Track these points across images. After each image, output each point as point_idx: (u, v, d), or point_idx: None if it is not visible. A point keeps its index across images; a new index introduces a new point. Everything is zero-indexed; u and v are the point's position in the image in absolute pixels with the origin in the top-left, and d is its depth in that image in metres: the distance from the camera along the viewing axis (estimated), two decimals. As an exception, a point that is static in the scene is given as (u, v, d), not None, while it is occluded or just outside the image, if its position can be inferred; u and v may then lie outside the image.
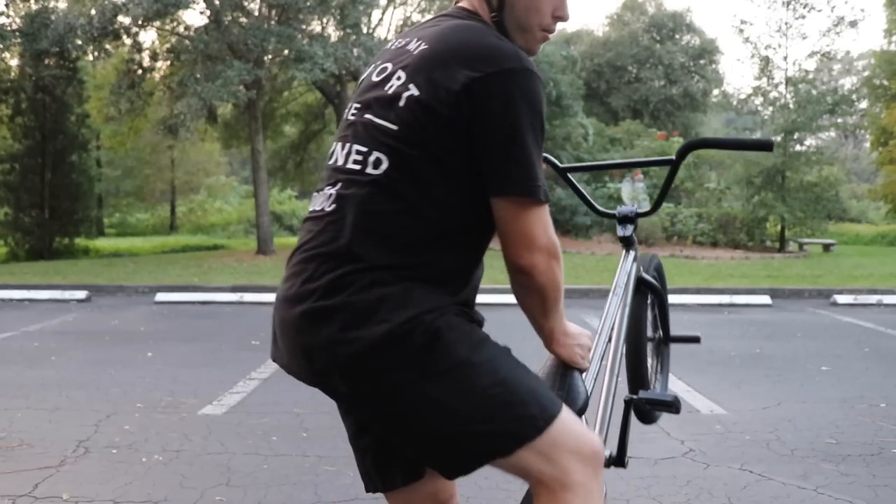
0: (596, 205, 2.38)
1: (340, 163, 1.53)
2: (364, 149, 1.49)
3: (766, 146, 1.97)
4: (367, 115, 1.51)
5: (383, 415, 1.49)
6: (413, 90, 1.45)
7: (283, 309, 1.51)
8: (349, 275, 1.43)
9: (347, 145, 1.53)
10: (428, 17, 1.60)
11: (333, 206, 1.49)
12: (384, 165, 1.45)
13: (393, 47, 1.61)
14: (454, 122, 1.42)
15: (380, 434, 1.58)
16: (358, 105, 1.56)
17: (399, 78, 1.49)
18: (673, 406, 1.80)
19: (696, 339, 2.17)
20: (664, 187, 2.17)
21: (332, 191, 1.51)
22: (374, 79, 1.56)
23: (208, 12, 16.43)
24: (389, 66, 1.54)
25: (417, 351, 1.41)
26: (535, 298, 1.54)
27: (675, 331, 2.55)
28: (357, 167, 1.48)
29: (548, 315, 1.58)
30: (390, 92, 1.49)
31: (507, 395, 1.45)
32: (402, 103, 1.46)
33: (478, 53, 1.44)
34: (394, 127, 1.46)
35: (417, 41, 1.53)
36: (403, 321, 1.40)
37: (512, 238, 1.46)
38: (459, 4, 1.63)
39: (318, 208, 1.54)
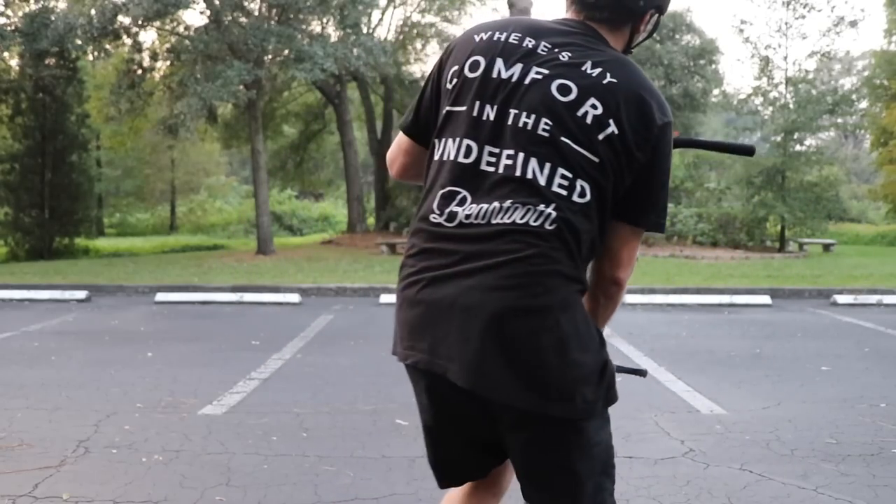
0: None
1: (542, 182, 1.55)
2: (570, 175, 1.55)
3: (748, 151, 1.98)
4: (566, 139, 1.55)
5: (557, 440, 1.60)
6: (614, 128, 1.55)
7: (512, 320, 1.51)
8: (572, 294, 1.56)
9: (548, 165, 1.55)
10: (557, 18, 1.61)
11: (554, 226, 1.53)
12: (588, 196, 1.56)
13: (545, 51, 1.62)
14: (640, 163, 1.58)
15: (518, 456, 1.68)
16: (534, 115, 1.57)
17: (595, 108, 1.56)
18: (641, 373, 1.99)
19: (642, 373, 2.18)
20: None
21: (546, 209, 1.53)
22: (545, 85, 1.58)
23: (208, 12, 16.43)
24: (569, 83, 1.57)
25: (608, 388, 1.61)
26: (610, 308, 1.72)
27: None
28: (564, 192, 1.55)
29: (607, 321, 1.76)
30: (588, 122, 1.56)
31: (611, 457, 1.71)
32: (601, 137, 1.55)
33: (659, 101, 1.61)
34: (595, 159, 1.55)
35: (595, 66, 1.59)
36: (604, 358, 1.60)
37: (621, 258, 1.65)
38: (589, 24, 1.66)
39: (519, 221, 1.53)
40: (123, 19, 16.00)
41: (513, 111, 1.58)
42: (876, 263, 15.28)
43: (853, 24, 18.92)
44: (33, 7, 17.56)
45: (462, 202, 1.57)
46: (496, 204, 1.54)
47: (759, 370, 5.96)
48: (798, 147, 18.89)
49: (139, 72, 17.91)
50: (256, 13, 17.06)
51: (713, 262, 15.16)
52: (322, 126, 27.82)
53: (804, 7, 18.61)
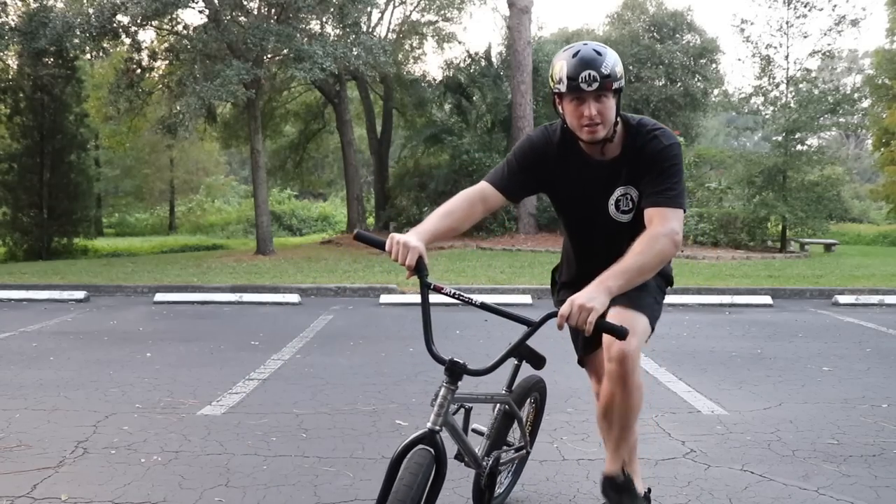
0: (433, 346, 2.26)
1: None
2: None
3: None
4: None
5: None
6: None
7: None
8: None
9: None
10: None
11: None
12: None
13: None
14: None
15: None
16: None
17: None
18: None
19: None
20: (510, 350, 2.30)
21: None
22: None
23: (207, 11, 16.41)
24: None
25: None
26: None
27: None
28: None
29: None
30: None
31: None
32: None
33: None
34: None
35: None
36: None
37: None
38: None
39: None
40: (122, 18, 15.98)
41: None
42: (878, 263, 15.27)
43: (854, 22, 18.88)
44: (32, 6, 17.54)
45: None
46: None
47: (761, 371, 5.94)
48: (799, 147, 18.84)
49: (138, 71, 17.87)
50: (255, 12, 17.04)
51: (714, 262, 15.14)
52: (322, 125, 27.81)
53: (805, 6, 18.57)
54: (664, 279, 2.73)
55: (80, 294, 10.34)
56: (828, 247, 19.08)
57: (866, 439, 4.13)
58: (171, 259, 17.28)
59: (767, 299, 10.12)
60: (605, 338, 2.40)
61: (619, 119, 2.48)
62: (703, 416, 4.62)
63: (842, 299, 10.08)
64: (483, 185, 2.61)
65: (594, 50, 2.36)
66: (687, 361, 6.25)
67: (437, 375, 2.64)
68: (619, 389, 2.48)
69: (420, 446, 2.15)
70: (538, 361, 2.80)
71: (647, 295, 2.58)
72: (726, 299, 10.03)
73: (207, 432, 4.23)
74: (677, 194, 2.45)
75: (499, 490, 3.07)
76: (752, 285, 11.16)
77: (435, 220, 2.46)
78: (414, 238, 2.27)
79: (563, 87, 2.37)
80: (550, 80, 2.44)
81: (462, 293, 2.31)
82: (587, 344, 2.80)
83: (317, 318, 8.60)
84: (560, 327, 2.20)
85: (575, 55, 2.36)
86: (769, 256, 16.50)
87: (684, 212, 2.51)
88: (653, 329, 2.62)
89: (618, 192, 2.56)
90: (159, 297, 10.22)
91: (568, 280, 2.84)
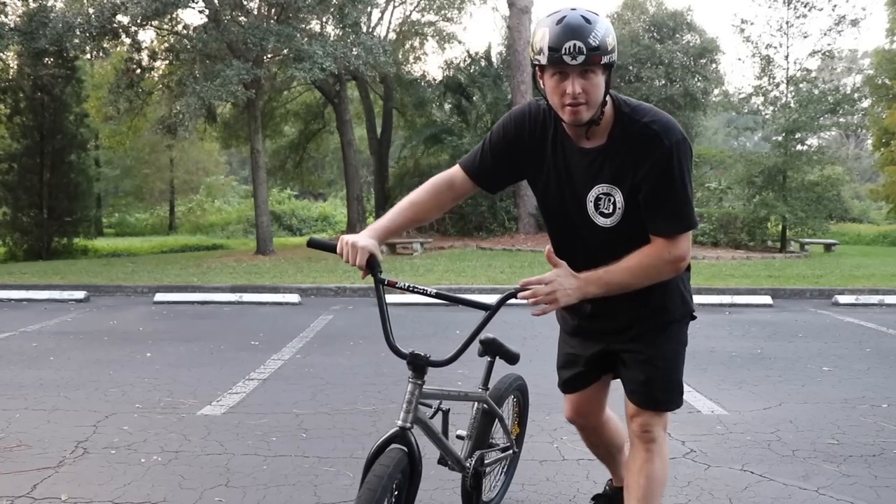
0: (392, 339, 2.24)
1: None
2: None
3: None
4: None
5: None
6: None
7: None
8: None
9: None
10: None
11: None
12: None
13: None
14: None
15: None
16: None
17: None
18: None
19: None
20: (471, 337, 2.19)
21: None
22: None
23: (207, 11, 16.41)
24: None
25: None
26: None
27: None
28: None
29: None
30: None
31: None
32: None
33: None
34: None
35: None
36: None
37: None
38: None
39: None
40: (122, 18, 15.99)
41: None
42: (877, 263, 15.26)
43: (854, 22, 18.89)
44: (32, 6, 17.54)
45: None
46: None
47: (761, 371, 5.94)
48: (799, 147, 18.84)
49: (138, 71, 17.88)
50: (255, 12, 17.04)
51: (714, 262, 15.15)
52: (322, 125, 27.81)
53: (805, 6, 18.57)
54: (689, 315, 2.54)
55: (80, 294, 10.34)
56: (828, 247, 19.08)
57: (866, 439, 4.12)
58: (171, 259, 17.28)
59: (767, 299, 10.12)
60: (630, 406, 2.37)
61: (607, 100, 2.12)
62: (703, 416, 4.62)
63: (842, 299, 10.08)
64: (454, 170, 2.38)
65: (582, 16, 2.00)
66: (687, 361, 6.24)
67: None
68: (641, 453, 2.37)
69: (393, 446, 2.12)
70: (511, 358, 2.79)
71: (676, 366, 2.46)
72: (726, 299, 10.03)
73: (207, 432, 4.23)
74: (687, 215, 2.17)
75: (491, 494, 3.04)
76: (752, 285, 11.16)
77: (394, 214, 2.34)
78: (364, 237, 2.21)
79: (543, 59, 2.02)
80: (531, 49, 2.09)
81: (416, 286, 2.27)
82: (571, 385, 2.60)
83: (317, 318, 8.60)
84: (523, 296, 2.09)
85: (559, 22, 2.00)
86: (769, 256, 16.50)
87: (695, 227, 2.26)
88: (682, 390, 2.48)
89: (597, 189, 2.19)
90: (159, 297, 10.22)
91: None
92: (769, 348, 6.88)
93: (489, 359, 2.81)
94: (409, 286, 2.26)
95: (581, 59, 1.97)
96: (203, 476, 3.54)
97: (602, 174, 2.17)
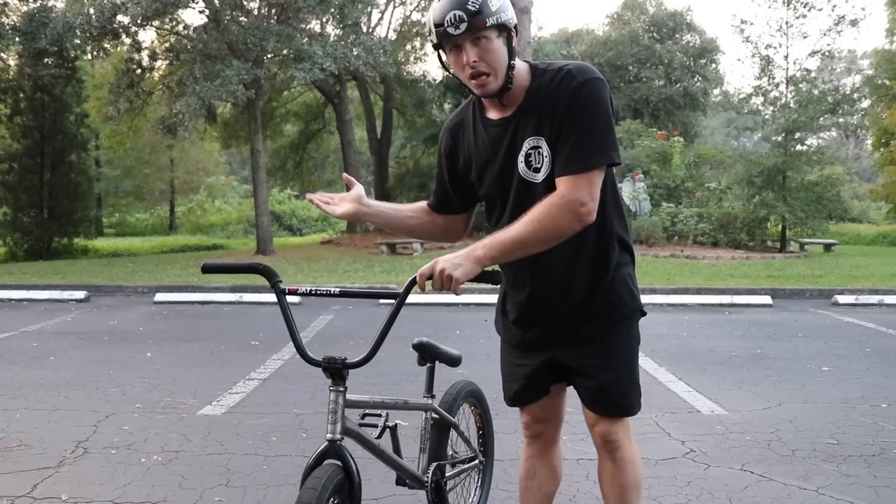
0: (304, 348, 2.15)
1: None
2: None
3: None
4: None
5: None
6: None
7: None
8: None
9: None
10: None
11: None
12: None
13: None
14: None
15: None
16: None
17: None
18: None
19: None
20: (384, 330, 2.09)
21: None
22: None
23: (207, 11, 16.42)
24: None
25: None
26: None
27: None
28: None
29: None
30: None
31: None
32: None
33: None
34: None
35: None
36: None
37: None
38: None
39: None
40: (122, 18, 16.01)
41: None
42: (877, 263, 15.26)
43: (854, 22, 18.89)
44: (32, 6, 17.55)
45: None
46: None
47: (760, 370, 5.95)
48: (799, 147, 18.84)
49: (138, 71, 17.90)
50: (256, 12, 17.05)
51: (714, 262, 15.14)
52: (322, 125, 27.83)
53: (805, 6, 18.57)
54: (638, 311, 2.23)
55: (81, 294, 10.34)
56: (827, 247, 19.08)
57: (866, 439, 4.13)
58: (171, 259, 17.28)
59: (767, 299, 10.12)
60: (589, 415, 2.23)
61: (521, 65, 2.04)
62: (702, 416, 4.63)
63: (841, 299, 10.08)
64: (430, 211, 2.42)
65: None
66: (687, 361, 6.26)
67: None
68: (608, 463, 2.25)
69: (326, 462, 1.94)
70: (451, 360, 2.63)
71: (631, 367, 2.23)
72: (726, 299, 10.03)
73: (207, 432, 4.23)
74: (592, 150, 1.95)
75: None
76: (751, 285, 11.16)
77: (397, 206, 2.41)
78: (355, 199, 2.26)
79: (434, 38, 1.98)
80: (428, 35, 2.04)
81: (317, 288, 2.24)
82: (521, 399, 2.36)
83: (317, 318, 8.61)
84: (422, 289, 1.98)
85: None
86: (769, 256, 16.50)
87: (608, 166, 2.01)
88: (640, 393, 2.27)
89: (526, 144, 2.06)
90: (159, 297, 10.22)
91: (507, 298, 2.33)
92: (769, 348, 6.89)
93: (429, 364, 2.62)
94: (310, 290, 2.22)
95: (464, 26, 1.91)
96: (203, 476, 3.55)
97: (526, 130, 2.06)
